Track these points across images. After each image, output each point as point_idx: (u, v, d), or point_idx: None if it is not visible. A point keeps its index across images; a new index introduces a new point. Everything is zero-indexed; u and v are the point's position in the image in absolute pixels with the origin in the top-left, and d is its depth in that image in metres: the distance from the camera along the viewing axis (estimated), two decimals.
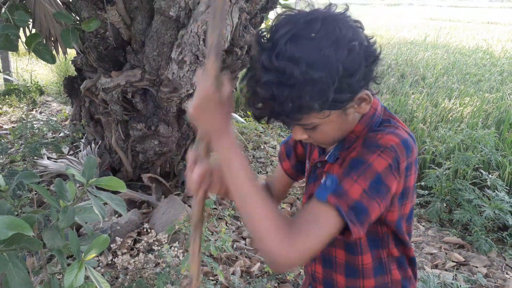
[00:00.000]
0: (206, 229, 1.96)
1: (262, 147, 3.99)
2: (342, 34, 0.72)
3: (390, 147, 0.77)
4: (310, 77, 0.69)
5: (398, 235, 0.92)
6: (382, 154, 0.77)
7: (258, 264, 2.21)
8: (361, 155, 0.78)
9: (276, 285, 2.02)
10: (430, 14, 28.10)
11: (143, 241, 1.97)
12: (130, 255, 2.20)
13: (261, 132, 4.48)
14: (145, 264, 1.90)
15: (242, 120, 3.28)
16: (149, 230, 2.25)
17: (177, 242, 1.92)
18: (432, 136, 3.65)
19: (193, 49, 2.69)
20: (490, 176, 2.82)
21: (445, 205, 2.91)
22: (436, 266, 2.37)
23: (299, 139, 0.86)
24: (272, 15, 3.52)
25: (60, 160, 3.33)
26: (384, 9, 40.48)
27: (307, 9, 0.77)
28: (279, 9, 3.30)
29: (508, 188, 2.84)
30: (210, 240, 1.73)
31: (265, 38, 0.76)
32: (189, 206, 2.85)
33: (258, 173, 3.44)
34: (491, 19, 22.86)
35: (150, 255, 1.86)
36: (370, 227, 0.81)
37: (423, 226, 2.82)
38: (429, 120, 4.10)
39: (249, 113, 4.24)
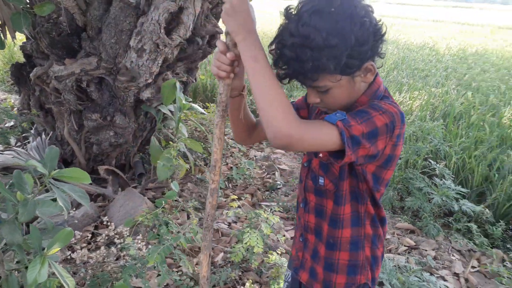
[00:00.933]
0: (173, 221, 1.94)
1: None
2: (356, 11, 0.88)
3: (390, 112, 0.93)
4: (328, 42, 0.85)
5: (374, 195, 1.07)
6: (383, 115, 0.92)
7: (221, 254, 2.23)
8: (367, 108, 0.94)
9: (240, 273, 2.05)
10: (380, 11, 29.08)
11: (103, 235, 1.92)
12: (88, 250, 2.14)
13: None
14: (105, 258, 1.85)
15: (202, 110, 3.25)
16: (107, 224, 2.19)
17: (140, 235, 1.89)
18: None
19: (154, 37, 2.63)
20: (438, 165, 3.00)
21: (397, 193, 3.06)
22: (390, 251, 2.50)
23: (313, 102, 1.01)
24: None
25: (6, 152, 3.14)
26: None
27: None
28: None
29: (454, 176, 3.05)
30: (179, 232, 1.71)
31: (292, 11, 0.92)
32: (149, 199, 2.80)
33: None
34: (437, 17, 24.07)
35: (113, 248, 1.81)
36: (353, 182, 1.04)
37: None
38: None
39: (208, 105, 4.21)
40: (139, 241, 1.82)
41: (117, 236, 1.96)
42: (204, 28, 2.99)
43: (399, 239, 2.63)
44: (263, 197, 3.01)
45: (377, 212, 1.11)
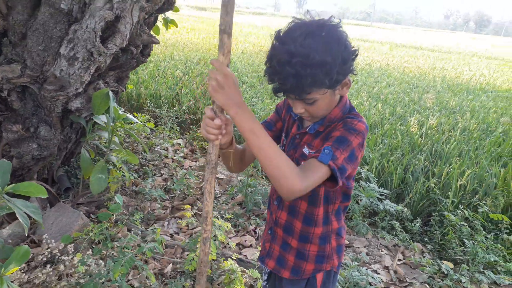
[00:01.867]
0: (116, 233, 1.88)
1: (155, 149, 3.91)
2: (340, 35, 1.06)
3: (361, 131, 1.12)
4: (323, 60, 1.00)
5: (347, 191, 1.27)
6: (358, 136, 1.11)
7: (170, 265, 2.20)
8: (345, 135, 1.10)
9: (192, 282, 2.05)
10: None
11: (46, 253, 1.79)
12: (21, 270, 1.98)
13: (149, 134, 4.38)
14: (47, 278, 1.74)
15: (137, 120, 3.17)
16: (40, 241, 2.04)
17: (91, 251, 1.80)
18: None
19: (88, 45, 2.52)
20: (363, 170, 3.28)
21: None
22: None
23: (298, 112, 1.14)
24: (170, 15, 3.50)
25: None
26: (250, 17, 42.60)
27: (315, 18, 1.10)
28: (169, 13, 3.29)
29: (377, 179, 3.36)
30: (141, 245, 1.67)
31: (283, 35, 1.05)
32: (84, 214, 2.66)
33: (153, 176, 3.37)
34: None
35: (62, 266, 1.70)
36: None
37: None
38: None
39: (136, 114, 4.09)
40: (87, 257, 1.73)
41: (58, 253, 1.85)
42: (140, 37, 2.95)
43: None
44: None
45: (344, 205, 1.32)
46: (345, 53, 1.05)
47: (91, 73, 2.72)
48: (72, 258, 1.78)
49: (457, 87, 8.29)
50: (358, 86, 7.35)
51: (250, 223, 2.85)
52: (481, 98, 7.24)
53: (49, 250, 1.91)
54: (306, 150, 1.23)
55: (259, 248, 2.30)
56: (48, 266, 1.80)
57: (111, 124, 2.90)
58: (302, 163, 1.12)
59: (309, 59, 0.99)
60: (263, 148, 1.00)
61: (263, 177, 3.62)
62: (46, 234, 2.06)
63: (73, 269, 1.71)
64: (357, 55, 1.11)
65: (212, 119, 1.05)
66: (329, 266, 1.32)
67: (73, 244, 1.93)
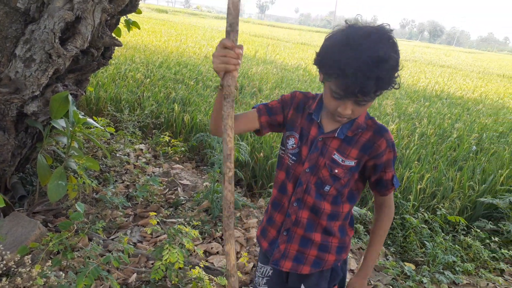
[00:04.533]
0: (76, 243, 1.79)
1: (116, 154, 3.78)
2: (396, 42, 1.10)
3: (394, 142, 1.28)
4: (396, 65, 1.08)
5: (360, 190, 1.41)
6: (394, 149, 1.28)
7: (134, 274, 2.12)
8: (394, 155, 1.29)
9: None
10: (252, 30, 30.80)
11: (1, 265, 1.67)
12: None
13: (110, 139, 4.24)
14: None
15: (97, 125, 3.05)
16: None
17: (50, 262, 1.69)
18: (277, 141, 4.08)
19: (46, 46, 2.41)
20: None
21: None
22: None
23: (347, 114, 1.15)
24: (132, 17, 3.41)
25: None
26: (213, 21, 42.53)
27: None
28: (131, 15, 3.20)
29: None
30: (104, 254, 1.59)
31: (351, 41, 1.06)
32: (42, 223, 2.52)
33: (114, 183, 3.26)
34: (303, 41, 26.44)
35: (18, 279, 1.59)
36: (353, 186, 1.33)
37: None
38: None
39: (95, 119, 3.94)
40: (46, 269, 1.63)
41: (14, 266, 1.73)
42: (101, 39, 2.85)
43: None
44: (168, 214, 2.95)
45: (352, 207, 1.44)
46: (399, 58, 1.11)
47: (49, 76, 2.60)
48: (29, 270, 1.67)
49: (414, 94, 8.63)
50: (320, 92, 7.48)
51: (217, 230, 2.81)
52: (436, 104, 7.57)
53: (4, 262, 1.79)
54: (338, 158, 1.26)
55: None
56: (4, 279, 1.69)
57: (70, 128, 2.78)
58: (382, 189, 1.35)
59: (388, 63, 1.05)
60: (381, 248, 1.43)
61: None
62: (0, 245, 1.93)
63: (31, 282, 1.61)
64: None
65: (232, 48, 1.03)
66: (345, 255, 1.43)
67: (30, 255, 1.82)
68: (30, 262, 1.75)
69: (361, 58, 1.02)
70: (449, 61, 24.03)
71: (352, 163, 1.25)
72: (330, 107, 1.17)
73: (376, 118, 1.36)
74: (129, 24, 3.69)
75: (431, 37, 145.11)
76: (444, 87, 10.73)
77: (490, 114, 7.37)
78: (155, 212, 2.88)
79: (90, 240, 2.42)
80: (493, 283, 2.72)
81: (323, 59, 1.12)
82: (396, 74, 1.10)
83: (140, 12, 3.41)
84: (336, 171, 1.26)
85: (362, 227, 3.02)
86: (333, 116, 1.20)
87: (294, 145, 1.32)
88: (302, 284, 1.40)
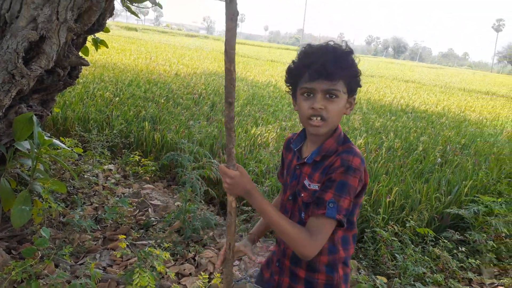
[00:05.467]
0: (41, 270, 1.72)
1: (84, 175, 3.68)
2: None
3: (358, 168, 1.22)
4: (354, 64, 1.27)
5: (351, 218, 1.32)
6: (355, 175, 1.21)
7: None
8: (344, 179, 1.21)
9: None
10: (223, 48, 30.98)
11: None
12: None
13: (77, 160, 4.13)
14: None
15: (64, 146, 2.97)
16: None
17: None
18: (249, 158, 4.10)
19: (9, 67, 2.35)
20: None
21: None
22: None
23: (318, 107, 1.24)
24: (100, 35, 3.37)
25: None
26: (183, 39, 42.56)
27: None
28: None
29: None
30: (72, 281, 1.53)
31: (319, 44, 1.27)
32: (5, 250, 2.41)
33: (82, 205, 3.16)
34: (273, 58, 26.83)
35: None
36: None
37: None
38: (243, 144, 4.57)
39: (62, 139, 3.85)
40: None
41: None
42: (67, 59, 2.80)
43: None
44: (138, 236, 2.88)
45: (350, 233, 1.36)
46: (359, 74, 1.29)
47: (12, 96, 2.52)
48: None
49: (381, 109, 8.88)
50: (290, 108, 7.58)
51: (189, 251, 2.76)
52: (402, 118, 7.81)
53: None
54: (307, 182, 1.31)
55: (200, 277, 2.23)
56: None
57: (35, 150, 2.70)
58: (310, 219, 1.24)
59: (345, 54, 1.24)
60: (273, 222, 1.20)
61: (202, 201, 3.55)
62: None
63: None
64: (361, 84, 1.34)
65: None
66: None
67: None
68: None
69: (322, 49, 1.24)
70: (413, 76, 24.94)
71: (316, 187, 1.28)
72: (304, 110, 1.27)
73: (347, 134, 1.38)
74: (97, 43, 3.65)
75: (396, 53, 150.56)
76: (409, 101, 11.11)
77: (453, 127, 7.67)
78: (124, 234, 2.81)
79: (56, 266, 2.33)
80: None
81: (291, 67, 1.30)
82: (357, 72, 1.27)
83: (108, 31, 3.38)
84: (303, 195, 1.31)
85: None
86: (309, 124, 1.28)
87: (285, 178, 1.46)
88: None
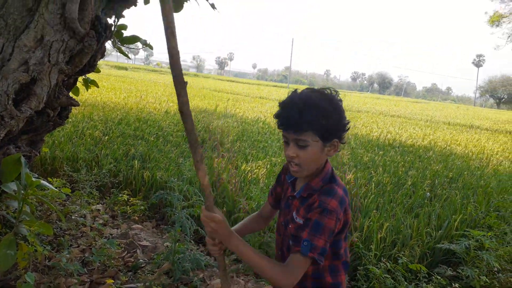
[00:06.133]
0: None
1: (72, 216, 3.61)
2: (341, 106, 1.35)
3: (333, 210, 1.30)
4: (326, 113, 1.29)
5: (336, 250, 1.43)
6: (330, 217, 1.29)
7: None
8: (320, 219, 1.29)
9: None
10: (213, 86, 31.49)
11: None
12: None
13: (65, 200, 4.06)
14: None
15: (52, 187, 2.93)
16: None
17: None
18: (240, 195, 4.08)
19: None
20: None
21: None
22: None
23: (291, 155, 1.34)
24: (91, 75, 3.41)
25: None
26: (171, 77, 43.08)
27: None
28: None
29: None
30: None
31: (300, 91, 1.36)
32: None
33: (69, 248, 3.08)
34: (262, 95, 27.25)
35: None
36: None
37: (242, 280, 3.06)
38: (233, 181, 4.56)
39: (50, 179, 3.80)
40: None
41: None
42: (58, 100, 2.82)
43: None
44: (126, 279, 2.81)
45: (338, 262, 1.46)
46: (342, 117, 1.33)
47: (1, 138, 2.51)
48: None
49: (368, 143, 8.99)
50: (280, 143, 7.65)
51: None
52: (390, 153, 7.91)
53: None
54: (294, 215, 1.41)
55: None
56: None
57: (22, 192, 2.66)
58: (289, 256, 1.33)
59: (313, 103, 1.28)
60: (249, 260, 1.29)
61: (192, 241, 3.49)
62: None
63: None
64: (348, 128, 1.37)
65: (212, 244, 1.37)
66: None
67: None
68: None
69: (295, 97, 1.33)
70: (399, 111, 25.47)
71: (301, 221, 1.38)
72: (285, 153, 1.38)
73: (338, 178, 1.44)
74: (88, 83, 3.69)
75: (381, 89, 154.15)
76: (396, 135, 11.29)
77: (440, 160, 7.78)
78: (112, 278, 2.74)
79: None
80: None
81: (277, 113, 1.37)
82: (329, 122, 1.30)
83: (99, 71, 3.43)
84: (290, 226, 1.43)
85: None
86: (289, 165, 1.39)
87: (281, 202, 1.57)
88: None
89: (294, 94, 1.34)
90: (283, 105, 1.33)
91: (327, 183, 1.38)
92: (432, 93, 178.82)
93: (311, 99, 1.29)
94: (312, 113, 1.27)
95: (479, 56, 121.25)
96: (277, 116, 1.35)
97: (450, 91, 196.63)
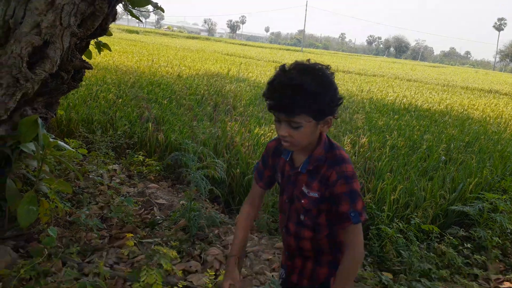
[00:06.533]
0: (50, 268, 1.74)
1: (89, 176, 3.70)
2: (332, 81, 1.31)
3: (353, 173, 1.35)
4: (316, 93, 1.24)
5: None
6: (354, 180, 1.34)
7: None
8: (351, 188, 1.33)
9: None
10: (225, 49, 31.08)
11: None
12: None
13: (82, 161, 4.15)
14: None
15: (68, 147, 2.99)
16: None
17: None
18: (253, 157, 4.11)
19: (14, 71, 2.36)
20: None
21: (271, 216, 3.31)
22: (274, 269, 2.68)
23: (283, 134, 1.31)
24: (103, 38, 3.39)
25: None
26: (184, 41, 42.64)
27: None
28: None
29: None
30: (84, 277, 1.54)
31: (287, 68, 1.29)
32: (12, 248, 2.43)
33: (88, 205, 3.18)
34: (274, 59, 26.85)
35: None
36: (327, 218, 1.43)
37: (256, 236, 3.14)
38: (247, 144, 4.59)
39: (67, 140, 3.87)
40: None
41: None
42: (71, 63, 2.82)
43: (279, 257, 2.84)
44: (144, 234, 2.90)
45: None
46: (334, 95, 1.29)
47: (17, 100, 2.54)
48: None
49: (383, 108, 8.87)
50: None
51: (195, 248, 2.77)
52: (405, 117, 7.81)
53: None
54: (305, 190, 1.41)
55: (206, 274, 2.25)
56: None
57: (41, 152, 2.72)
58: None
59: (304, 88, 1.22)
60: (348, 284, 1.35)
61: (207, 200, 3.56)
62: None
63: None
64: (341, 102, 1.33)
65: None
66: None
67: (1, 283, 1.75)
68: None
69: (283, 78, 1.26)
70: (415, 75, 24.91)
71: (316, 195, 1.39)
72: (277, 132, 1.35)
73: (335, 142, 1.43)
74: (100, 46, 3.67)
75: (397, 53, 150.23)
76: (412, 100, 11.10)
77: (456, 125, 7.66)
78: (131, 232, 2.82)
79: (64, 264, 2.34)
80: None
81: (267, 94, 1.31)
82: (321, 103, 1.26)
83: (110, 34, 3.40)
84: (303, 201, 1.42)
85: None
86: (282, 141, 1.36)
87: (279, 181, 1.54)
88: None
89: (282, 75, 1.27)
90: (273, 88, 1.28)
91: (329, 150, 1.39)
92: (450, 57, 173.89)
93: (301, 83, 1.23)
94: (304, 98, 1.23)
95: (500, 19, 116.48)
96: (267, 97, 1.30)
97: (469, 56, 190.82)
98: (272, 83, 1.28)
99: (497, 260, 3.18)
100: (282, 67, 1.30)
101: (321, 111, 1.28)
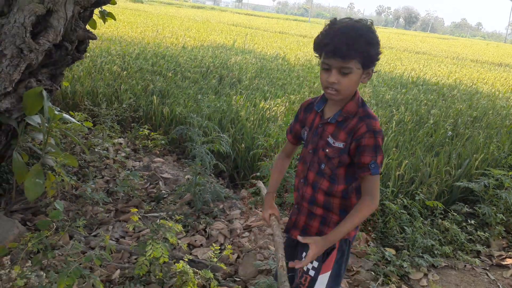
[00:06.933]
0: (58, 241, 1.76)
1: (95, 149, 3.71)
2: (377, 35, 1.44)
3: (380, 130, 1.46)
4: (370, 42, 1.39)
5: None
6: (379, 136, 1.45)
7: (118, 271, 2.11)
8: (376, 142, 1.44)
9: (142, 287, 1.98)
10: (230, 19, 30.53)
11: None
12: None
13: (87, 134, 4.15)
14: None
15: (74, 120, 2.99)
16: None
17: (30, 262, 1.66)
18: (258, 132, 4.09)
19: (17, 41, 2.34)
20: None
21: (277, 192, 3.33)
22: None
23: (332, 81, 1.40)
24: (107, 7, 3.32)
25: None
26: (189, 10, 41.90)
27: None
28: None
29: None
30: (86, 252, 1.57)
31: (341, 19, 1.43)
32: (20, 222, 2.47)
33: (93, 178, 3.20)
34: (281, 29, 26.36)
35: None
36: (347, 170, 1.52)
37: (260, 211, 3.16)
38: (252, 118, 4.56)
39: (72, 113, 3.86)
40: (26, 270, 1.61)
41: None
42: (75, 33, 2.77)
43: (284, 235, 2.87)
44: (150, 208, 2.93)
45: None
46: (378, 48, 1.42)
47: (22, 71, 2.52)
48: (9, 271, 1.64)
49: (391, 81, 8.74)
50: (299, 81, 7.51)
51: (200, 222, 2.81)
52: (413, 91, 7.70)
53: None
54: (331, 140, 1.51)
55: (211, 248, 2.28)
56: None
57: (46, 125, 2.71)
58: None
59: (360, 34, 1.37)
60: (352, 227, 1.47)
61: (212, 174, 3.58)
62: None
63: (11, 283, 1.57)
64: (380, 58, 1.46)
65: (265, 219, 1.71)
66: (346, 235, 1.54)
67: (9, 256, 1.79)
68: (9, 263, 1.71)
69: (339, 30, 1.38)
70: (424, 48, 24.42)
71: (341, 145, 1.48)
72: (323, 80, 1.44)
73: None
74: (104, 16, 3.60)
75: (407, 24, 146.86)
76: (420, 73, 10.92)
77: (465, 99, 7.55)
78: (136, 207, 2.86)
79: (71, 237, 2.39)
80: (470, 265, 2.82)
81: (315, 41, 1.44)
82: (373, 51, 1.40)
83: (114, 3, 3.34)
84: (327, 150, 1.51)
85: None
86: (325, 92, 1.47)
87: (305, 134, 1.64)
88: (304, 252, 1.56)
89: (338, 23, 1.40)
90: (330, 34, 1.39)
91: (360, 106, 1.49)
92: (461, 28, 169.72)
93: (358, 28, 1.37)
94: (361, 42, 1.36)
95: None
96: (323, 44, 1.40)
97: (480, 27, 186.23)
98: (327, 31, 1.40)
99: (500, 237, 3.20)
100: (334, 20, 1.43)
101: (370, 58, 1.40)
